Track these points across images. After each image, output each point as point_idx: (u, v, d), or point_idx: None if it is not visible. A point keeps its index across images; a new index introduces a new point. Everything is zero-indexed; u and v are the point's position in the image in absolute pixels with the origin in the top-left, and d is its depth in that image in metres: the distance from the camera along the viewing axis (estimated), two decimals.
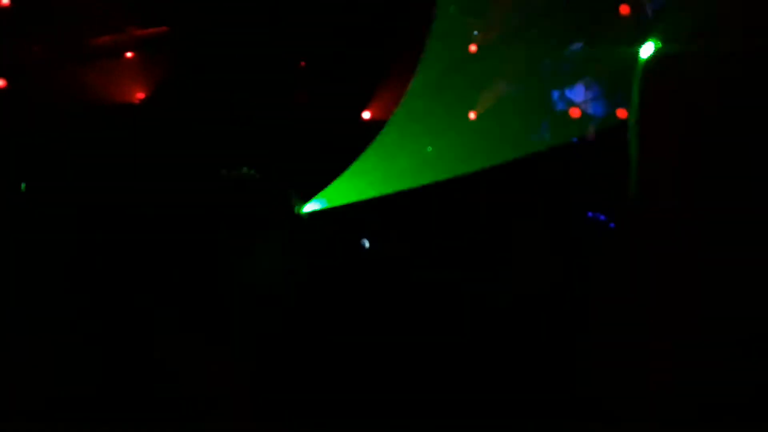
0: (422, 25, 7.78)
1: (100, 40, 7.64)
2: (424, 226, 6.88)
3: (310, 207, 6.55)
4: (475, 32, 7.94)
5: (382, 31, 8.16)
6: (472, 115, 7.93)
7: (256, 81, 7.58)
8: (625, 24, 7.32)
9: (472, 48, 8.01)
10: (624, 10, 7.24)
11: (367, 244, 6.33)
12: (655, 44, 6.37)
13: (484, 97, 7.86)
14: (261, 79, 7.59)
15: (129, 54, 7.69)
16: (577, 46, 8.08)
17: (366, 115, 8.20)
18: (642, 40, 6.56)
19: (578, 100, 7.98)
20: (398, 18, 8.19)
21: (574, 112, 7.57)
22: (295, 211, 6.22)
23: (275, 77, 7.65)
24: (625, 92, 7.56)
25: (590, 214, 7.35)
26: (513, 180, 7.13)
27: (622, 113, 7.19)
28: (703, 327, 4.63)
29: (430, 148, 7.57)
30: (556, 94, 8.06)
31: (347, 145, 7.49)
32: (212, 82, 7.60)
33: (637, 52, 6.60)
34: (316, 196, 6.58)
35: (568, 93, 8.11)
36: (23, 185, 5.92)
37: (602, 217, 7.28)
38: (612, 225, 7.08)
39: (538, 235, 6.80)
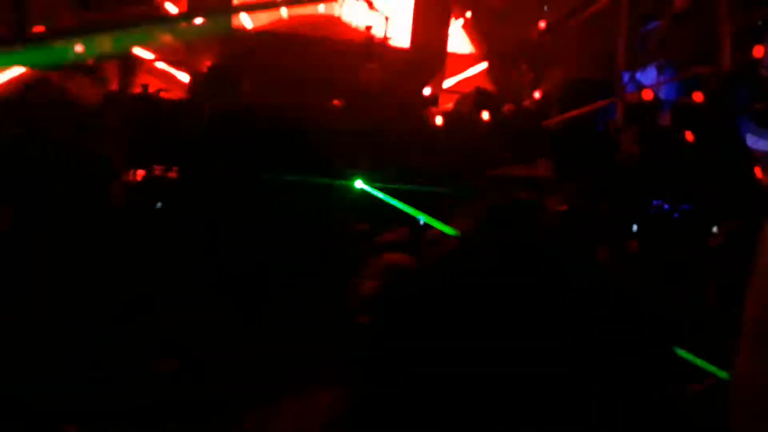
0: None
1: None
2: None
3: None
4: (545, 7, 7.66)
5: None
6: (537, 94, 7.67)
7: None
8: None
9: (541, 24, 7.73)
10: None
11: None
12: None
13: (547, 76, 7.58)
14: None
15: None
16: (652, 24, 7.74)
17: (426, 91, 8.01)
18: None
19: (650, 83, 7.65)
20: None
21: (646, 95, 7.23)
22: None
23: None
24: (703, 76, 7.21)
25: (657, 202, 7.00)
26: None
27: (697, 96, 6.83)
28: None
29: None
30: (626, 76, 7.73)
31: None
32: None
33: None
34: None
35: (639, 75, 7.78)
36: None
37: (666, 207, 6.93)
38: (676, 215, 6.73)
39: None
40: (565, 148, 6.77)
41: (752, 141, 7.39)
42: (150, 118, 6.11)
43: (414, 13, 8.19)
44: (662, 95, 7.58)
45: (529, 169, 6.37)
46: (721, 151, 6.87)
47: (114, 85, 6.90)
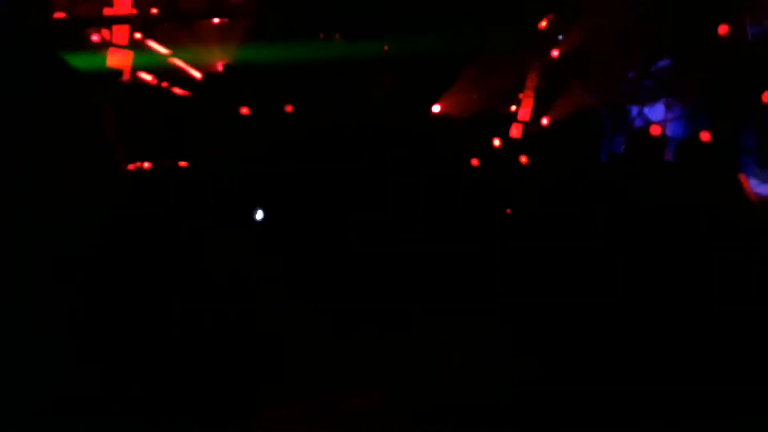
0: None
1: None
2: None
3: None
4: (560, 36, 7.74)
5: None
6: (545, 121, 7.72)
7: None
8: (722, 44, 7.06)
9: (555, 53, 7.81)
10: (723, 29, 6.99)
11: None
12: None
13: (562, 105, 7.65)
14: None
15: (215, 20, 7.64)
16: (664, 62, 7.85)
17: (436, 108, 8.05)
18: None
19: (657, 119, 7.74)
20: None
21: (654, 131, 7.30)
22: None
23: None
24: (710, 115, 7.30)
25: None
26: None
27: (705, 136, 6.89)
28: None
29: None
30: (635, 111, 7.83)
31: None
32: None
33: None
34: None
35: (647, 111, 7.87)
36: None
37: None
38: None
39: None
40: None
41: (754, 185, 7.47)
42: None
43: None
44: (668, 132, 7.67)
45: None
46: (724, 191, 6.94)
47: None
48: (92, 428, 3.12)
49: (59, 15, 6.57)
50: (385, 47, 7.58)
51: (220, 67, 7.63)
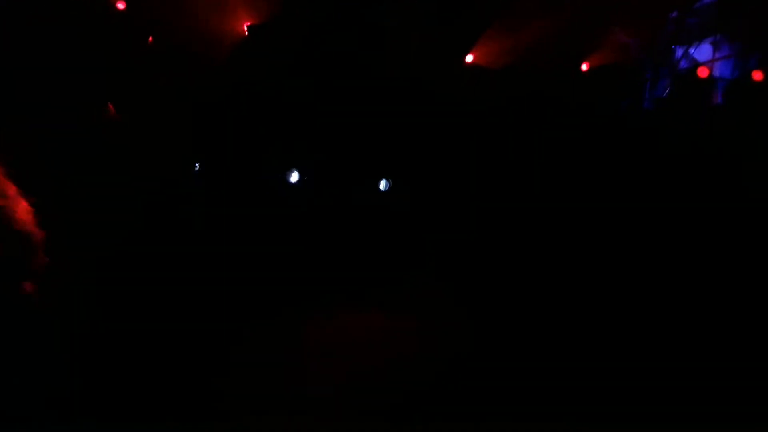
0: None
1: None
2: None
3: None
4: None
5: None
6: (584, 67, 7.37)
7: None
8: None
9: None
10: None
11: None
12: None
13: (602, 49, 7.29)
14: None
15: None
16: None
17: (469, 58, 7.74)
18: None
19: (704, 60, 7.32)
20: None
21: (702, 72, 6.90)
22: None
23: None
24: (761, 52, 6.88)
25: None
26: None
27: (757, 75, 6.50)
28: None
29: None
30: (680, 52, 7.41)
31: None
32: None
33: None
34: None
35: (693, 51, 7.44)
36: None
37: None
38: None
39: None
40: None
41: None
42: None
43: None
44: (716, 72, 7.26)
45: None
46: None
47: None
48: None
49: None
50: None
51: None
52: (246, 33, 7.48)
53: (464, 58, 7.79)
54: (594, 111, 6.66)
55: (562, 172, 5.97)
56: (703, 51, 7.47)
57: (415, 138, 6.34)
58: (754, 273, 4.67)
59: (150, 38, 7.11)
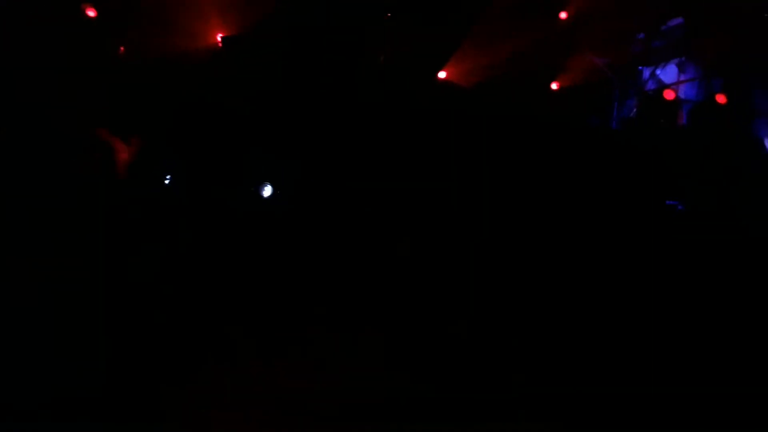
0: None
1: None
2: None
3: None
4: None
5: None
6: (554, 86, 7.51)
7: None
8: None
9: (563, 15, 7.55)
10: None
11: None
12: None
13: (571, 68, 7.42)
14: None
15: None
16: (675, 21, 7.59)
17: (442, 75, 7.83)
18: None
19: (670, 81, 7.52)
20: None
21: (668, 94, 7.09)
22: None
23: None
24: (725, 79, 7.09)
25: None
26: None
27: (720, 98, 6.71)
28: None
29: None
30: (646, 73, 7.60)
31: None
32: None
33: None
34: None
35: (659, 72, 7.64)
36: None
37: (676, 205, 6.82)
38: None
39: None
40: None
41: None
42: None
43: None
44: (681, 94, 7.47)
45: None
46: (740, 152, 6.78)
47: None
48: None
49: None
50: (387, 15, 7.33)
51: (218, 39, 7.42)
52: (219, 44, 7.47)
53: (437, 74, 7.88)
54: (563, 128, 6.80)
55: (531, 186, 6.10)
56: (669, 72, 7.67)
57: (389, 150, 6.40)
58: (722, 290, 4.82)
59: (122, 48, 7.07)
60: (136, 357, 3.51)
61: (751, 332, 4.37)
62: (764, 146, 6.95)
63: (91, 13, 7.05)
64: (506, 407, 3.51)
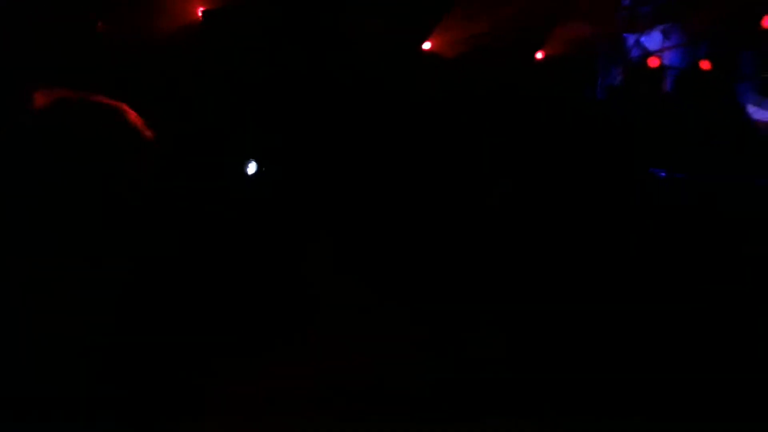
0: None
1: None
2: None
3: None
4: None
5: None
6: (539, 55, 7.49)
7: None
8: None
9: None
10: None
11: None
12: None
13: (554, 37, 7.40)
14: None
15: None
16: None
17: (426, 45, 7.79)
18: None
19: (655, 48, 7.50)
20: None
21: (652, 62, 7.08)
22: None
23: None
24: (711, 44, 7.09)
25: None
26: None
27: (705, 65, 6.71)
28: None
29: None
30: (631, 39, 7.58)
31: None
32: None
33: None
34: None
35: (643, 39, 7.62)
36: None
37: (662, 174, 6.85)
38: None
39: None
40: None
41: (752, 111, 7.33)
42: None
43: None
44: (666, 61, 7.45)
45: None
46: (723, 119, 6.81)
47: None
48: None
49: None
50: None
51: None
52: (201, 18, 7.41)
53: (421, 46, 7.84)
54: (552, 100, 6.80)
55: (521, 162, 6.10)
56: (653, 39, 7.65)
57: (375, 128, 6.39)
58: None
59: (99, 24, 7.00)
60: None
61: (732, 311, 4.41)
62: (747, 111, 6.98)
63: None
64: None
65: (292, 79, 6.48)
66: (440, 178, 5.92)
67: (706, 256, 5.17)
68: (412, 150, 6.18)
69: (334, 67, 6.72)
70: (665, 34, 7.57)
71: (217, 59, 6.64)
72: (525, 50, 7.44)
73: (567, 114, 6.53)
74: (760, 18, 6.56)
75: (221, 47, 6.75)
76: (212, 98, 6.39)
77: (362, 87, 6.73)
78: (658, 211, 5.89)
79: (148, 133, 4.13)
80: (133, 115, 4.23)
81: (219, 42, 6.81)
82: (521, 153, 5.95)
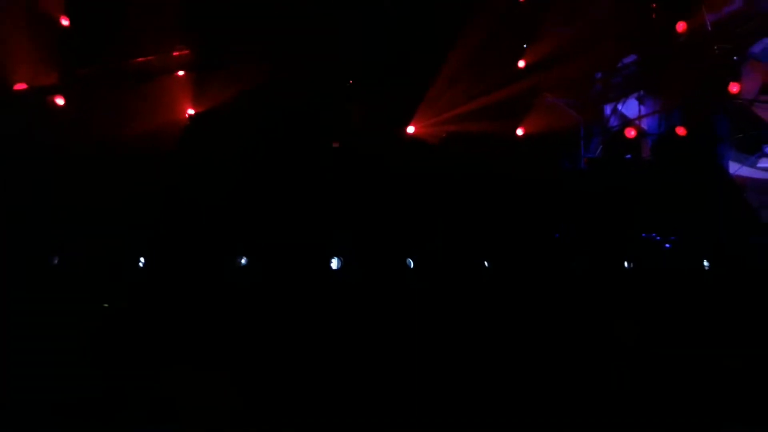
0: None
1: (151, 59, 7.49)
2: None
3: None
4: (525, 45, 7.67)
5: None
6: (519, 132, 7.66)
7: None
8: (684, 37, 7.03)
9: (520, 64, 7.74)
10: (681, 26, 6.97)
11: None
12: None
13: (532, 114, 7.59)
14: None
15: (180, 73, 7.52)
16: (630, 58, 7.78)
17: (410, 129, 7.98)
18: None
19: (632, 116, 7.69)
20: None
21: (629, 132, 7.25)
22: None
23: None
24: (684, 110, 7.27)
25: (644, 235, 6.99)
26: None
27: (681, 131, 6.88)
28: None
29: None
30: (608, 109, 7.77)
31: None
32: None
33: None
34: None
35: (621, 107, 7.81)
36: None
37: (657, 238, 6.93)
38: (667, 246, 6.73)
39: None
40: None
41: (735, 168, 7.47)
42: None
43: None
44: (644, 127, 7.64)
45: None
46: (706, 180, 6.94)
47: None
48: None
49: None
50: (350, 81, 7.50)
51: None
52: (188, 121, 7.60)
53: (406, 129, 8.02)
54: (535, 174, 6.94)
55: (509, 235, 6.20)
56: (630, 106, 7.85)
57: (364, 207, 6.51)
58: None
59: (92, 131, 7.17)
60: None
61: None
62: (727, 171, 7.11)
63: (60, 100, 7.15)
64: None
65: (280, 179, 6.61)
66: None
67: (706, 316, 5.24)
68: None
69: (325, 169, 6.86)
70: (641, 101, 7.77)
71: (203, 161, 6.79)
72: (505, 127, 7.62)
73: (551, 190, 6.66)
74: (726, 84, 6.77)
75: (208, 149, 6.92)
76: (203, 197, 6.53)
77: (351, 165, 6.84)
78: (657, 274, 5.98)
79: None
80: None
81: (205, 144, 6.99)
82: (506, 231, 6.06)
